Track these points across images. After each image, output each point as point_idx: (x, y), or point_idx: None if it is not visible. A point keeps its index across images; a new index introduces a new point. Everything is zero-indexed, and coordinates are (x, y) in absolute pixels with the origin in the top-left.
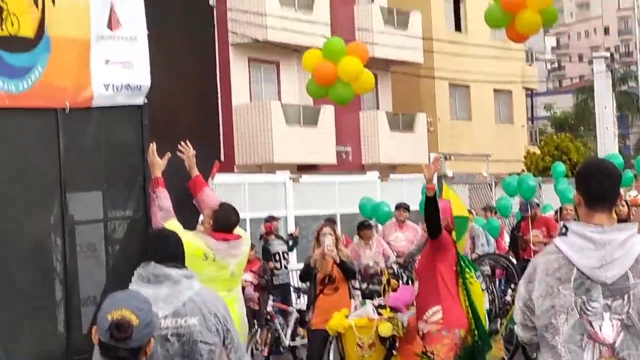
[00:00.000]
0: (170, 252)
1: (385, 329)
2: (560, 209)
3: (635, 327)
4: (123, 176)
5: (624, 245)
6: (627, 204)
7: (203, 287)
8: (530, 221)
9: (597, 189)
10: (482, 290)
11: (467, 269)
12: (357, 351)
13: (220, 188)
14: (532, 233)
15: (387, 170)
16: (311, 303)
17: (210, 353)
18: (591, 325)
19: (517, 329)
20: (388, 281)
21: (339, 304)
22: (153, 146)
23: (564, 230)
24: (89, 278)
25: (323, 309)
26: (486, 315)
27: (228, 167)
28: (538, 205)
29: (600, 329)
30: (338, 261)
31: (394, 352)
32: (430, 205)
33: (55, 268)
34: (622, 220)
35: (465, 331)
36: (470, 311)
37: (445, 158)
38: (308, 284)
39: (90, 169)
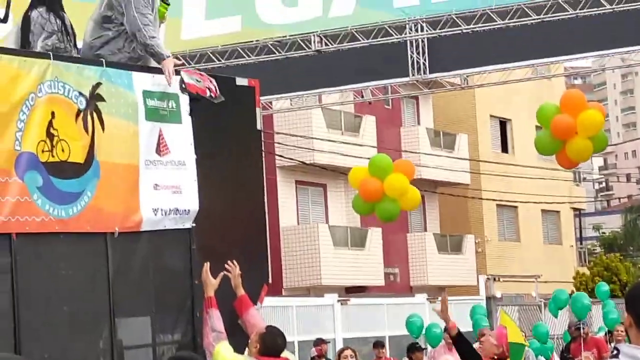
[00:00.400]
0: None
1: None
2: (610, 330)
3: None
4: (172, 300)
5: None
6: None
7: None
8: (582, 342)
9: None
10: None
11: None
12: None
13: (269, 310)
14: (583, 355)
15: (435, 292)
16: None
17: None
18: None
19: None
20: None
21: None
22: (207, 265)
23: (615, 352)
24: None
25: None
26: None
27: (276, 290)
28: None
29: None
30: None
31: None
32: (459, 342)
33: None
34: None
35: None
36: None
37: (494, 279)
38: None
39: (139, 293)
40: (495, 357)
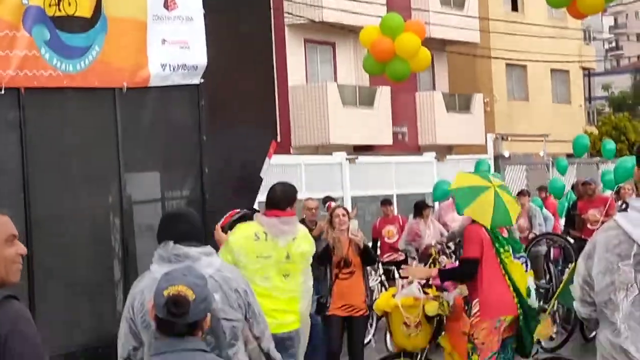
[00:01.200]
0: (186, 231)
1: (432, 308)
2: (619, 188)
3: None
4: (180, 156)
5: None
6: None
7: (223, 264)
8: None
9: None
10: (522, 264)
11: (501, 249)
12: (403, 330)
13: (277, 169)
14: (590, 212)
15: (443, 151)
16: (330, 288)
17: (233, 329)
18: None
19: (577, 305)
20: (434, 260)
21: (354, 289)
22: (217, 225)
23: (624, 206)
24: (147, 258)
25: (338, 295)
26: (532, 291)
27: (284, 148)
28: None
29: None
30: (362, 246)
31: (442, 331)
32: (442, 276)
33: (113, 248)
34: None
35: (514, 316)
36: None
37: (502, 138)
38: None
39: (148, 149)
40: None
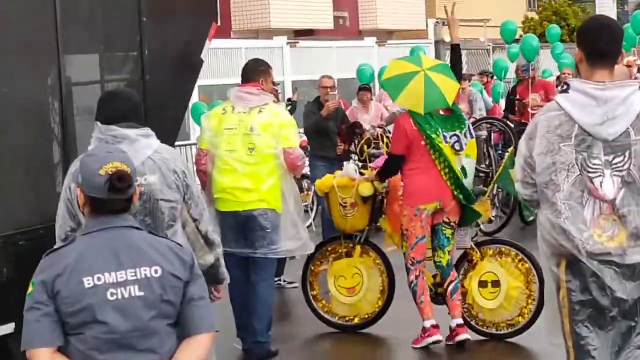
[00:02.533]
0: (124, 112)
1: (365, 189)
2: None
3: (635, 183)
4: (120, 38)
5: (626, 101)
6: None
7: (162, 145)
8: (529, 85)
9: (599, 44)
10: (453, 143)
11: (433, 135)
12: (340, 210)
13: (218, 52)
14: (530, 96)
15: (384, 36)
16: None
17: (172, 210)
18: (592, 181)
19: (518, 186)
20: (368, 141)
21: None
22: None
23: (565, 87)
24: (86, 140)
25: None
26: (468, 170)
27: (225, 32)
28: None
29: (601, 186)
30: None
31: (382, 214)
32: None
33: (52, 130)
34: None
35: (438, 203)
36: (448, 175)
37: (443, 24)
38: None
39: (87, 31)
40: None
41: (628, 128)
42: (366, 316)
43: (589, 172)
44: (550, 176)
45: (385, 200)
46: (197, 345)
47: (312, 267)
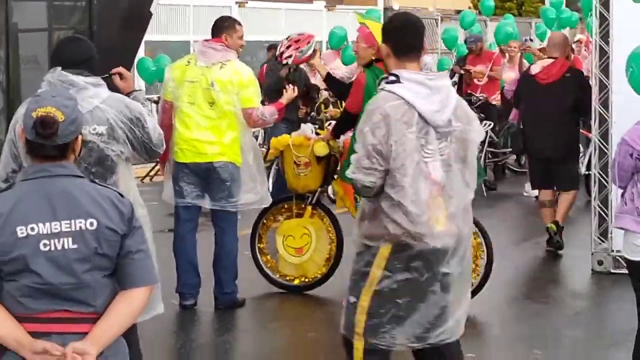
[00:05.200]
0: (75, 58)
1: (320, 148)
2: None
3: (452, 167)
4: None
5: (450, 91)
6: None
7: (111, 95)
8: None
9: (408, 39)
10: None
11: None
12: (293, 169)
13: (166, 9)
14: (477, 67)
15: (334, 0)
16: None
17: (121, 155)
18: (427, 166)
19: (359, 175)
20: (326, 101)
21: None
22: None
23: (395, 78)
24: (31, 88)
25: None
26: None
27: None
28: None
29: (434, 170)
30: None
31: (335, 176)
32: (327, 81)
33: None
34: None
35: None
36: None
37: None
38: None
39: None
40: (373, 58)
41: (450, 116)
42: (312, 278)
43: (424, 157)
44: (403, 162)
45: (339, 161)
46: (132, 298)
47: (265, 220)
